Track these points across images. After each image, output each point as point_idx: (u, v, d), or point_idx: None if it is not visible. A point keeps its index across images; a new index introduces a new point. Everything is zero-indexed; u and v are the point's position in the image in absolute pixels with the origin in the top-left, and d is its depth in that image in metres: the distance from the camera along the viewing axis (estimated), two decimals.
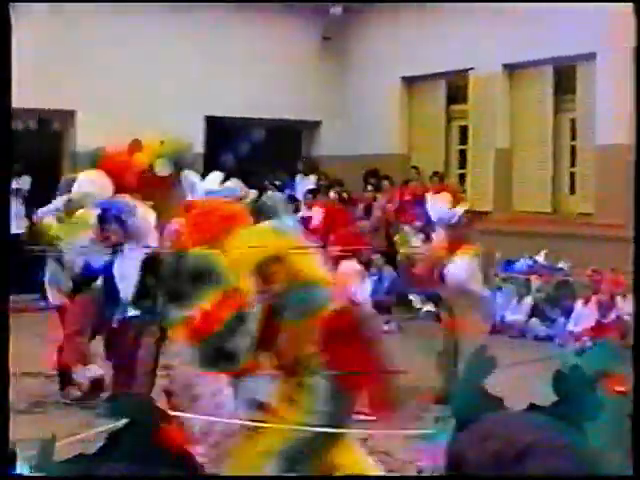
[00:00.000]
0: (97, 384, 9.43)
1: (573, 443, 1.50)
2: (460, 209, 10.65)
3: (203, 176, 15.47)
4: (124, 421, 1.69)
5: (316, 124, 18.68)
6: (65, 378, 9.85)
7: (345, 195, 16.48)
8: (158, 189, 13.83)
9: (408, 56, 16.85)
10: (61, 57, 15.42)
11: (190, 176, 11.88)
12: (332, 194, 16.33)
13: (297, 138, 19.26)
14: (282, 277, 5.26)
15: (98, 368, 9.54)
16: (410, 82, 17.69)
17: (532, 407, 1.66)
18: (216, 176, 12.08)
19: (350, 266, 9.65)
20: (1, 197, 2.46)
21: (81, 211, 10.07)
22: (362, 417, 9.06)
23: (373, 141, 17.32)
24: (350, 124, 17.78)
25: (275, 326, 5.26)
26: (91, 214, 9.70)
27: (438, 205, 15.30)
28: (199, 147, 16.78)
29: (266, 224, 5.85)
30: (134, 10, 15.78)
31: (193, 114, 16.48)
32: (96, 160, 15.35)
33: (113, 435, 1.58)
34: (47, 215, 10.58)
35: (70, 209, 10.15)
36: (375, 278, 14.09)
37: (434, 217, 15.24)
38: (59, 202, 10.50)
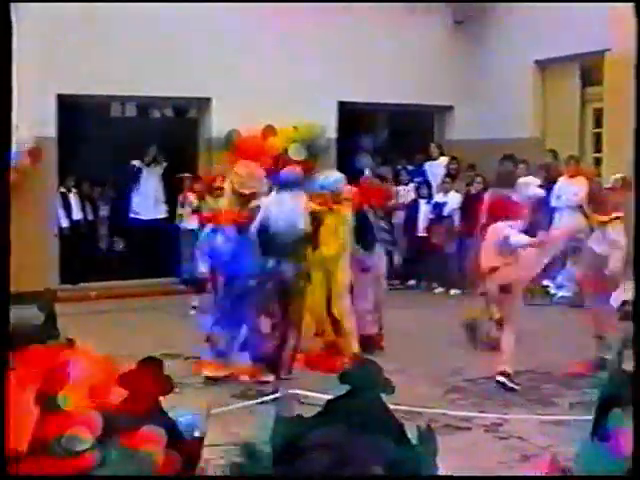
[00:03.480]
0: None
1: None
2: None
3: (338, 161, 15.64)
4: (346, 388, 1.75)
5: (448, 108, 18.59)
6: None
7: (479, 179, 16.39)
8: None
9: (541, 39, 16.62)
10: (197, 46, 15.71)
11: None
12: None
13: (429, 123, 19.21)
14: None
15: None
16: (543, 65, 17.45)
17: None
18: None
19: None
20: (1, 196, 2.50)
21: None
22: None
23: (506, 125, 17.16)
24: (483, 108, 17.65)
25: None
26: None
27: (572, 188, 15.20)
28: (332, 132, 16.91)
29: None
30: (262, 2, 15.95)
31: (326, 99, 16.58)
32: (230, 142, 15.71)
33: (333, 401, 1.66)
34: None
35: None
36: None
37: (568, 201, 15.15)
38: None
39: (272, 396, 8.60)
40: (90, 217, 17.12)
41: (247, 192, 9.78)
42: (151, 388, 2.37)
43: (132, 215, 16.99)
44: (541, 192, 15.31)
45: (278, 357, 9.58)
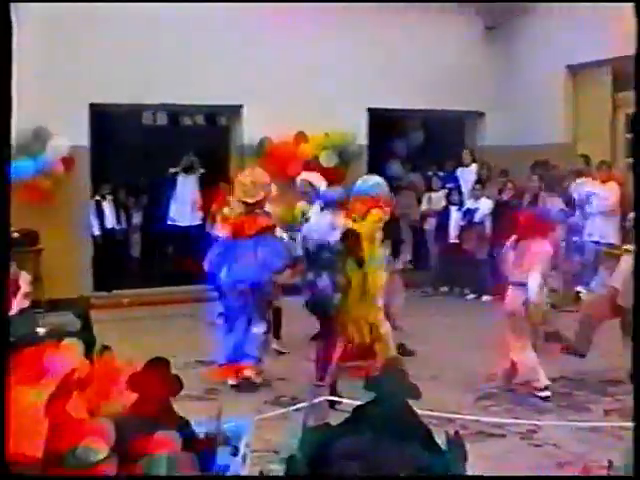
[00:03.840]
0: None
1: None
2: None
3: (369, 168, 15.59)
4: (372, 395, 1.73)
5: (479, 114, 18.53)
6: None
7: (510, 185, 16.30)
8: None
9: (573, 44, 16.54)
10: (226, 54, 15.74)
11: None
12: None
13: (460, 129, 19.16)
14: None
15: None
16: (575, 70, 17.37)
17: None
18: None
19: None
20: (1, 197, 2.49)
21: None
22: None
23: (537, 131, 17.08)
24: (514, 114, 17.59)
25: None
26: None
27: (604, 194, 15.11)
28: (362, 139, 16.91)
29: None
30: (292, 8, 15.96)
31: (356, 107, 16.60)
32: (262, 149, 15.79)
33: (360, 408, 1.65)
34: None
35: None
36: None
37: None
38: None
39: (306, 403, 8.58)
40: (123, 224, 17.24)
41: (250, 201, 9.84)
42: (160, 389, 2.35)
43: (169, 222, 17.12)
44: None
45: (321, 365, 9.61)
